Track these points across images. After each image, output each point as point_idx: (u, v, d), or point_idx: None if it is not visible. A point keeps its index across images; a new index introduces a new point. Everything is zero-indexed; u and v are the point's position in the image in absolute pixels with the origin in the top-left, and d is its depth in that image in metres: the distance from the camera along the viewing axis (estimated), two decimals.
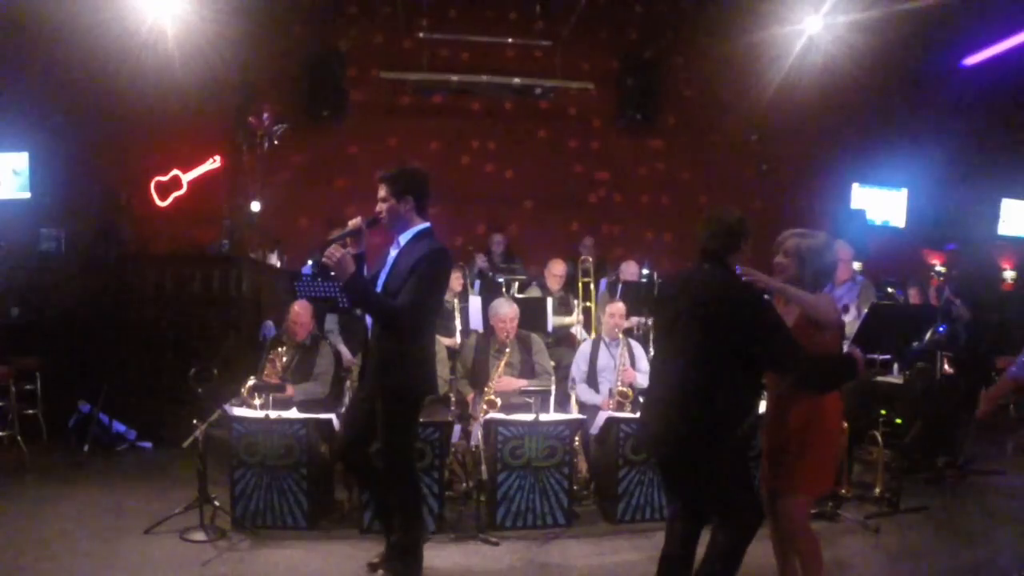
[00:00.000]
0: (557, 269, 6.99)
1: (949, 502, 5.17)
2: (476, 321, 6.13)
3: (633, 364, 5.50)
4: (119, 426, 6.31)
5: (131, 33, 7.45)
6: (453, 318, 6.33)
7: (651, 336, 6.25)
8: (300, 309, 5.45)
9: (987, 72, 9.32)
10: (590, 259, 7.18)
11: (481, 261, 7.85)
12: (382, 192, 3.75)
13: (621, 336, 5.58)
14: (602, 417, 4.94)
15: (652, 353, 5.89)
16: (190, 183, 8.65)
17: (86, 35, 7.35)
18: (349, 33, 9.22)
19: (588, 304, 6.89)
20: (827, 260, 3.22)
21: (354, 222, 3.65)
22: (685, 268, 3.32)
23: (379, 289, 3.72)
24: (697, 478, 3.03)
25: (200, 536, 4.32)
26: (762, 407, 3.55)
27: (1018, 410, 7.27)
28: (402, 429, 3.77)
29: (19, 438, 5.94)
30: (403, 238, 3.78)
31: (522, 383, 5.29)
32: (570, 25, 9.04)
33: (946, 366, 6.03)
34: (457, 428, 5.00)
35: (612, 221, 9.98)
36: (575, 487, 4.90)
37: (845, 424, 4.98)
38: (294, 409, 4.88)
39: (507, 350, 5.34)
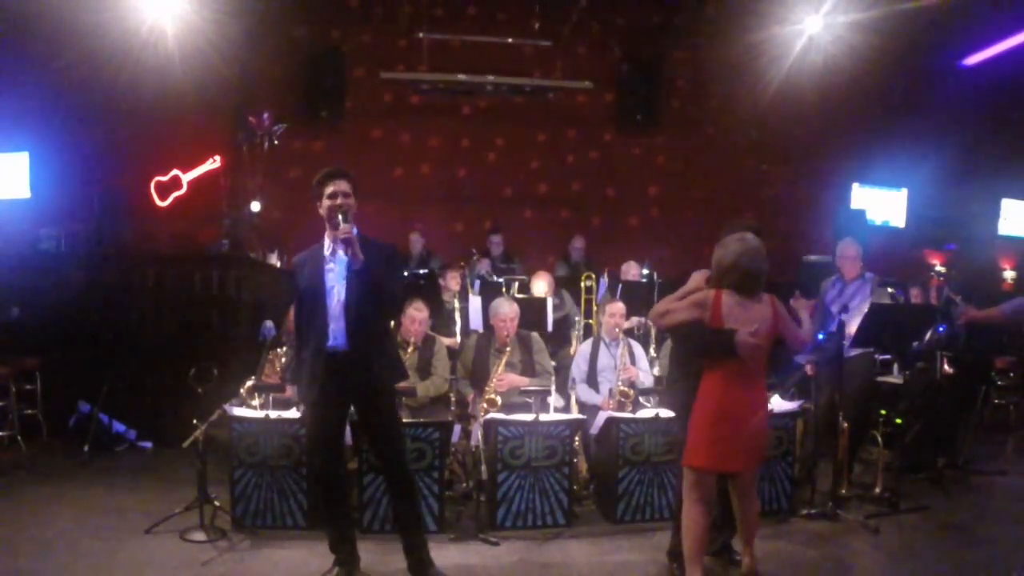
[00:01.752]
0: (542, 284, 6.65)
1: (949, 502, 5.17)
2: (476, 321, 6.13)
3: (633, 364, 5.50)
4: (119, 426, 6.30)
5: (131, 33, 7.46)
6: (453, 318, 6.33)
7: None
8: None
9: (987, 72, 9.33)
10: (593, 275, 7.08)
11: (484, 267, 7.79)
12: (346, 187, 3.70)
13: (621, 336, 5.58)
14: (602, 417, 4.94)
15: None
16: (190, 183, 8.65)
17: (86, 35, 7.35)
18: (349, 33, 9.23)
19: (590, 322, 6.78)
20: (721, 261, 3.64)
21: (346, 228, 3.59)
22: None
23: (345, 291, 3.67)
24: None
25: (200, 536, 4.31)
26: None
27: (1018, 410, 7.27)
28: (399, 422, 3.92)
29: (19, 438, 5.94)
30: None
31: (524, 381, 5.29)
32: (570, 25, 9.04)
33: (946, 366, 6.03)
34: (457, 428, 5.00)
35: (612, 221, 9.98)
36: (575, 487, 4.90)
37: (845, 424, 5.00)
38: (294, 409, 4.88)
39: (507, 349, 5.34)
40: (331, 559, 3.85)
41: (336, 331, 3.67)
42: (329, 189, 3.68)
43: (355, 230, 3.63)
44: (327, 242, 3.77)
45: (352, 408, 3.87)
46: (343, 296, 3.67)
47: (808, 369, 5.24)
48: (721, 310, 3.54)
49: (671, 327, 3.73)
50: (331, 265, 3.72)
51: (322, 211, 3.73)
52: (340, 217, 3.62)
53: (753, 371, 3.59)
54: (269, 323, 6.52)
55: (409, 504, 3.86)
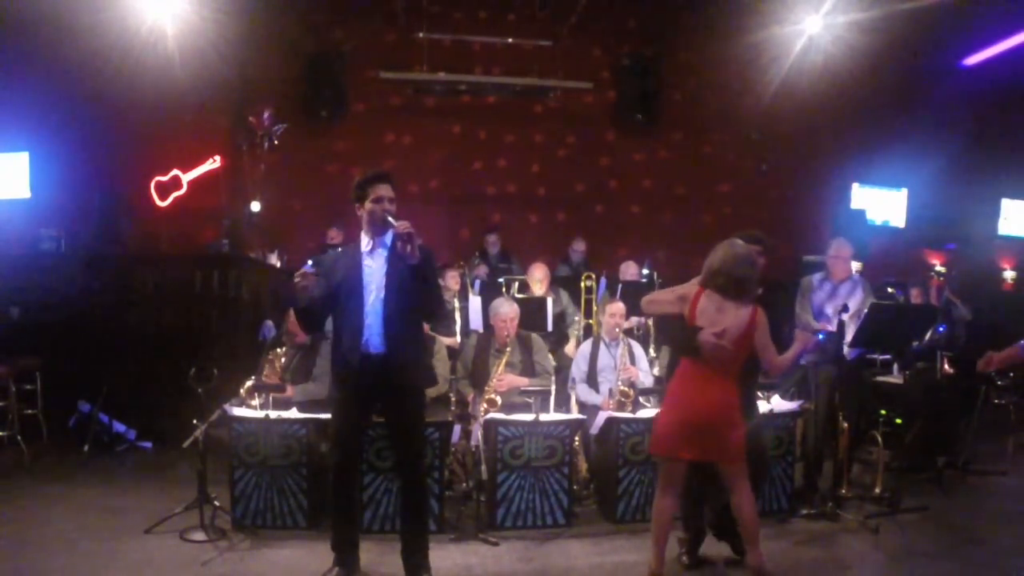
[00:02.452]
0: (538, 274, 6.72)
1: (949, 502, 5.17)
2: (476, 321, 6.13)
3: (633, 364, 5.50)
4: (119, 426, 6.30)
5: (131, 33, 7.46)
6: (453, 318, 6.33)
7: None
8: None
9: (987, 72, 9.33)
10: (593, 275, 7.06)
11: (481, 274, 7.78)
12: (391, 192, 3.74)
13: (621, 336, 5.58)
14: (602, 417, 4.94)
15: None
16: (190, 183, 8.65)
17: (86, 35, 7.35)
18: (349, 33, 9.23)
19: (590, 322, 6.77)
20: (710, 264, 3.76)
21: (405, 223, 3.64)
22: None
23: (384, 290, 3.70)
24: None
25: (200, 536, 4.31)
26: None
27: (1018, 410, 7.27)
28: (423, 425, 4.00)
29: (19, 438, 5.94)
30: (387, 239, 3.78)
31: (524, 381, 5.29)
32: (570, 25, 9.04)
33: (946, 366, 6.02)
34: (457, 428, 4.99)
35: (612, 221, 9.98)
36: (575, 487, 4.90)
37: (845, 424, 5.00)
38: (294, 409, 4.88)
39: (507, 350, 5.34)
40: (330, 559, 3.85)
41: (372, 330, 3.68)
42: (375, 193, 3.71)
43: (390, 232, 3.69)
44: (365, 240, 3.79)
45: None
46: (383, 295, 3.69)
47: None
48: (697, 307, 3.68)
49: (655, 315, 3.97)
50: (368, 262, 3.74)
51: (362, 213, 3.75)
52: (391, 220, 3.65)
53: (718, 372, 3.64)
54: (269, 323, 6.55)
55: (417, 508, 3.86)
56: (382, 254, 3.75)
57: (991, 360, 4.39)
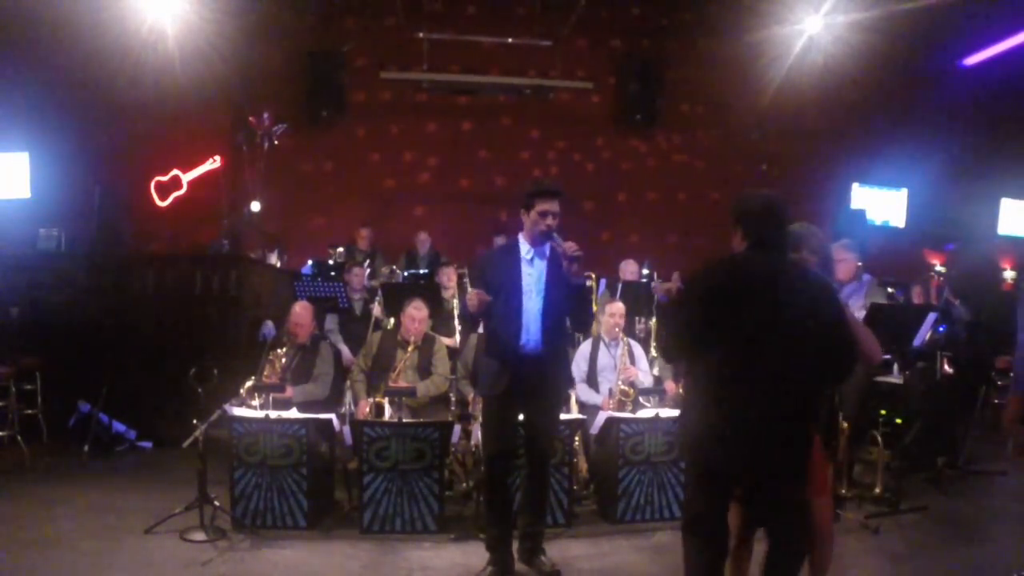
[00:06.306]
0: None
1: (949, 502, 5.17)
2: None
3: (633, 364, 5.50)
4: (119, 426, 6.30)
5: (131, 33, 7.46)
6: (453, 318, 6.33)
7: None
8: (301, 310, 5.44)
9: (987, 72, 9.34)
10: (593, 274, 7.02)
11: None
12: (557, 207, 3.82)
13: (621, 336, 5.58)
14: (602, 417, 4.93)
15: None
16: (190, 183, 8.66)
17: (86, 35, 7.35)
18: (349, 33, 9.24)
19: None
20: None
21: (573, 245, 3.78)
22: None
23: (543, 296, 3.85)
24: None
25: (200, 536, 4.31)
26: None
27: None
28: (558, 424, 4.25)
29: (19, 438, 5.93)
30: (546, 249, 3.89)
31: None
32: (570, 25, 9.05)
33: (946, 366, 6.01)
34: (457, 428, 4.99)
35: (612, 220, 9.99)
36: (575, 487, 4.90)
37: (845, 424, 4.99)
38: (294, 409, 4.88)
39: None
40: (330, 559, 3.85)
41: (530, 333, 3.81)
42: (541, 206, 3.79)
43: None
44: (525, 245, 3.88)
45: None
46: (542, 301, 3.83)
47: None
48: None
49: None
50: (528, 269, 3.86)
51: (526, 219, 3.86)
52: (557, 239, 3.77)
53: None
54: (269, 323, 6.53)
55: (541, 501, 4.02)
56: (541, 263, 3.87)
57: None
